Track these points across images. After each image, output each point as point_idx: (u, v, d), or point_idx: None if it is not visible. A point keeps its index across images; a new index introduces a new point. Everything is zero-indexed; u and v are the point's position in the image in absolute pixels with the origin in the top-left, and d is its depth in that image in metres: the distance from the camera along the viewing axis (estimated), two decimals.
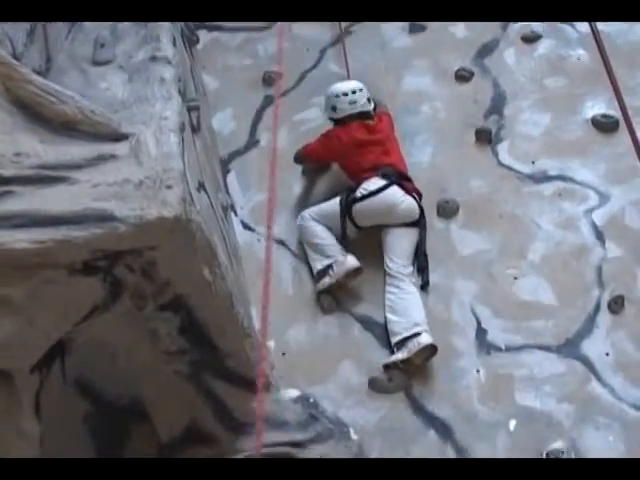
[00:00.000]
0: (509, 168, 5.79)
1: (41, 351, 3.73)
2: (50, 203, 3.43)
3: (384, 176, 5.43)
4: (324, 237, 5.44)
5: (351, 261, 5.28)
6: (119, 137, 3.77)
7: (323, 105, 5.93)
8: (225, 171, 6.08)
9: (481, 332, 5.04)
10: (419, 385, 4.89)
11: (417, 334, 4.94)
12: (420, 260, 5.36)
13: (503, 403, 4.76)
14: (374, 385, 4.91)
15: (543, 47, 6.54)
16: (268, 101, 6.50)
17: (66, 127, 3.76)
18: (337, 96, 5.77)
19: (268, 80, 6.61)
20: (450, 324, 5.11)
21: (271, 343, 4.97)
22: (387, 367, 4.98)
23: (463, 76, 6.39)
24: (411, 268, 5.31)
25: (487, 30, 6.68)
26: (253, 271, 5.27)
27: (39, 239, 3.33)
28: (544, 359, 4.89)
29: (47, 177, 3.54)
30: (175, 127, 3.88)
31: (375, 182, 5.42)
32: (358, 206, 5.43)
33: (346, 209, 5.45)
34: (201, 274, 3.76)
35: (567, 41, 6.52)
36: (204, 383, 4.29)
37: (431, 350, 4.94)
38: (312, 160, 5.94)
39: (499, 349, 4.97)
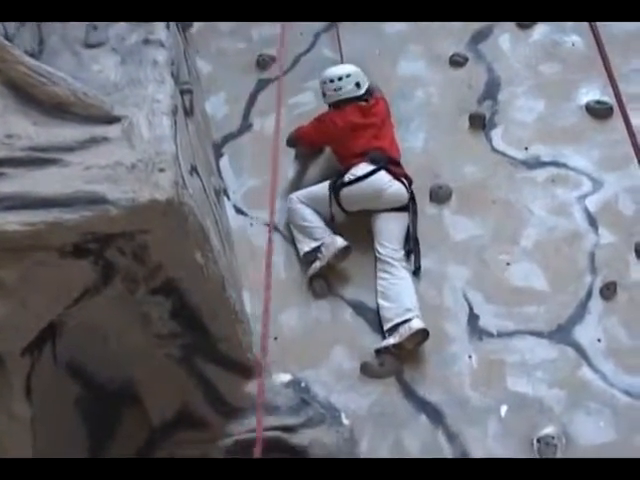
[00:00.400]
0: (503, 154, 5.77)
1: (32, 334, 3.74)
2: (41, 185, 3.43)
3: (372, 161, 5.42)
4: (312, 220, 5.45)
5: (339, 241, 5.28)
6: (111, 119, 3.76)
7: (318, 89, 5.93)
8: (218, 155, 6.06)
9: (473, 318, 5.04)
10: (411, 370, 4.89)
11: (409, 319, 4.96)
12: (411, 245, 5.36)
13: (494, 389, 4.77)
14: (366, 370, 4.91)
15: (538, 33, 6.50)
16: (261, 85, 6.48)
17: (58, 109, 3.74)
18: (324, 82, 5.80)
19: (262, 64, 6.59)
20: (442, 309, 5.11)
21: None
22: (379, 352, 4.98)
23: (457, 61, 6.36)
24: (402, 253, 5.31)
25: None
26: (245, 255, 5.28)
27: (30, 221, 3.33)
28: (536, 345, 4.89)
29: (39, 159, 3.54)
30: (168, 110, 3.87)
31: (363, 167, 5.42)
32: (345, 191, 5.43)
33: (334, 193, 5.45)
34: (193, 258, 3.76)
35: (562, 27, 6.48)
36: (196, 367, 4.31)
37: (423, 335, 4.94)
38: (305, 143, 5.93)
39: (491, 335, 4.97)
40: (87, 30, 4.54)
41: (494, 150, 5.81)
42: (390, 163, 5.47)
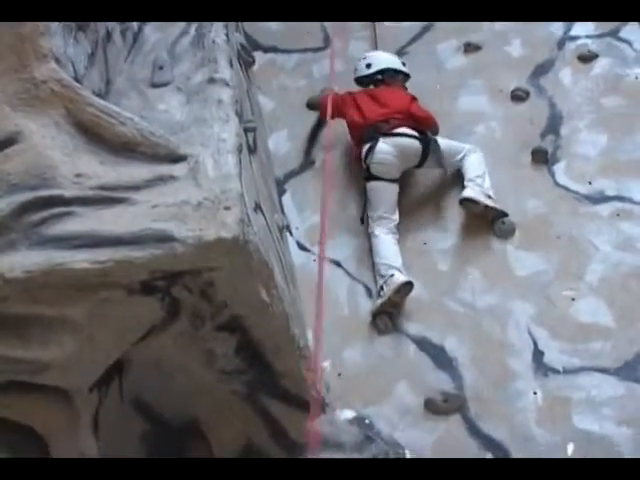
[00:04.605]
0: (566, 189, 5.73)
1: (100, 370, 3.78)
2: (110, 224, 3.47)
3: (369, 139, 5.77)
4: (382, 255, 5.48)
5: (400, 277, 5.29)
6: (178, 158, 3.80)
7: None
8: (281, 191, 6.11)
9: (538, 354, 4.99)
10: (475, 407, 4.85)
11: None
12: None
13: (561, 426, 4.70)
14: (430, 406, 4.87)
15: (599, 66, 6.47)
16: (323, 121, 6.53)
17: (125, 148, 3.79)
18: (359, 60, 6.47)
19: None
20: (506, 345, 5.06)
21: (326, 364, 4.98)
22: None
23: (519, 96, 6.35)
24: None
25: (543, 49, 6.65)
26: (309, 292, 5.28)
27: (99, 259, 3.37)
28: (602, 382, 4.82)
29: (107, 198, 3.58)
30: (233, 149, 3.90)
31: (364, 148, 5.80)
32: (372, 169, 5.74)
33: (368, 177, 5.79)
34: (258, 295, 3.77)
35: (624, 60, 6.45)
36: (260, 403, 4.31)
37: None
38: (322, 109, 6.32)
39: (557, 371, 4.91)
40: (153, 70, 4.62)
41: (557, 185, 5.77)
42: (387, 128, 5.81)
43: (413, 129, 5.81)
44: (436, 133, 5.99)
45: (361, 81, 6.34)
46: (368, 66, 6.30)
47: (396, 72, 6.32)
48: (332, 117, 6.13)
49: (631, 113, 6.07)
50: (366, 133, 5.79)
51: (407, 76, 6.39)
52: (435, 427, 4.82)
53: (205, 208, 3.51)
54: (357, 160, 5.92)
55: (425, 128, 5.94)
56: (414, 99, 6.12)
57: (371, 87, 6.25)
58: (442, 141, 5.82)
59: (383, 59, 6.39)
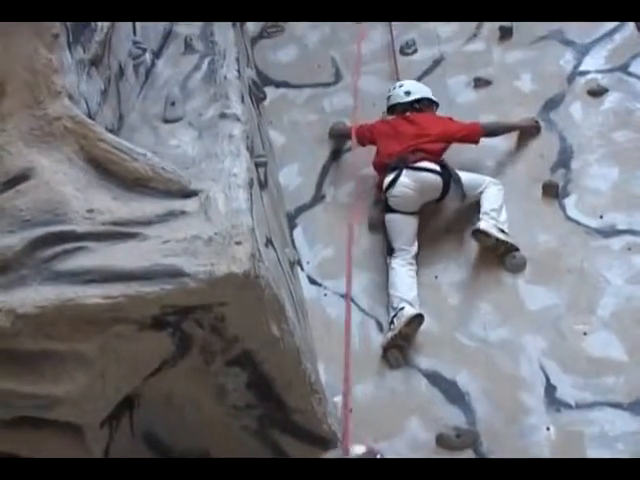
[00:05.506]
0: (577, 222, 5.72)
1: (111, 405, 3.77)
2: (121, 259, 3.49)
3: (393, 169, 5.78)
4: (395, 286, 5.49)
5: (409, 309, 5.29)
6: (189, 194, 3.82)
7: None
8: (292, 226, 6.13)
9: (550, 388, 4.96)
10: (488, 442, 4.82)
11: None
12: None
13: None
14: (441, 441, 4.85)
15: (609, 101, 6.46)
16: (334, 156, 6.59)
17: (138, 184, 3.82)
18: (394, 88, 6.42)
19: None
20: (518, 380, 5.04)
21: (338, 398, 4.96)
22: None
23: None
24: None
25: (553, 84, 6.66)
26: (319, 325, 5.29)
27: (111, 294, 3.38)
28: (616, 417, 4.78)
29: (119, 233, 3.60)
30: (244, 183, 3.92)
31: (387, 179, 5.79)
32: (390, 201, 5.75)
33: (386, 209, 5.79)
34: (269, 330, 3.77)
35: (634, 94, 6.44)
36: (271, 438, 4.30)
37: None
38: (353, 135, 6.26)
39: (569, 406, 4.88)
40: (165, 106, 4.66)
41: (568, 219, 5.75)
42: (412, 161, 5.80)
43: (437, 163, 5.81)
44: (484, 134, 6.14)
45: (394, 108, 6.35)
46: (407, 93, 6.30)
47: (430, 101, 6.37)
48: (364, 144, 6.23)
49: None
50: (392, 163, 5.82)
51: (438, 106, 6.45)
52: None
53: (216, 243, 3.52)
54: (378, 189, 5.97)
55: (473, 137, 6.11)
56: (450, 118, 6.23)
57: (407, 114, 6.25)
58: (463, 174, 5.84)
59: (420, 88, 6.43)
